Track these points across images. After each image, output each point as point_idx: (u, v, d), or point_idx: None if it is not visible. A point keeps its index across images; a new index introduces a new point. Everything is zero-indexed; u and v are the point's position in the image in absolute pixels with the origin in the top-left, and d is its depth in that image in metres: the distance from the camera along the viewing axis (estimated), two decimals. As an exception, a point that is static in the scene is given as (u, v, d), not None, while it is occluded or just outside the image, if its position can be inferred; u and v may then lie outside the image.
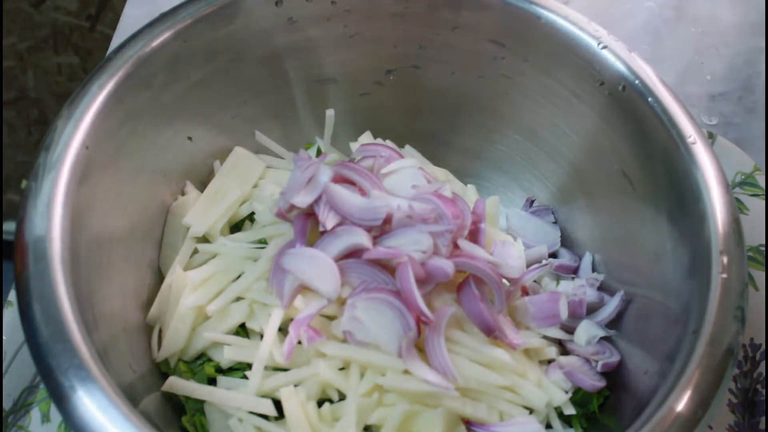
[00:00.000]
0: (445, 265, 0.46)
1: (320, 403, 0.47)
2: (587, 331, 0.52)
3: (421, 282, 0.46)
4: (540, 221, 0.61)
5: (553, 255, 0.60)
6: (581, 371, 0.51)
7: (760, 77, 0.75)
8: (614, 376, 0.51)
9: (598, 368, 0.51)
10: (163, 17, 0.50)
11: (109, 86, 0.46)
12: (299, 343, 0.46)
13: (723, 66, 0.76)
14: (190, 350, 0.50)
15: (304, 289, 0.48)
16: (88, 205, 0.45)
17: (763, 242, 0.62)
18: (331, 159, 0.59)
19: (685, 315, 0.43)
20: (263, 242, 0.53)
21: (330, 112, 0.60)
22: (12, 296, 0.56)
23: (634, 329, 0.51)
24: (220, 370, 0.50)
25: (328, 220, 0.47)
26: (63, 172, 0.43)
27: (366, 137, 0.62)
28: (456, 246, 0.49)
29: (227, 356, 0.48)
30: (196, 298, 0.50)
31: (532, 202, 0.63)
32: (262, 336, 0.48)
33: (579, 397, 0.50)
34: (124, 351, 0.46)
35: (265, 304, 0.49)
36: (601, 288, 0.55)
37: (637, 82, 0.50)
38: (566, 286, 0.56)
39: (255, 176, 0.57)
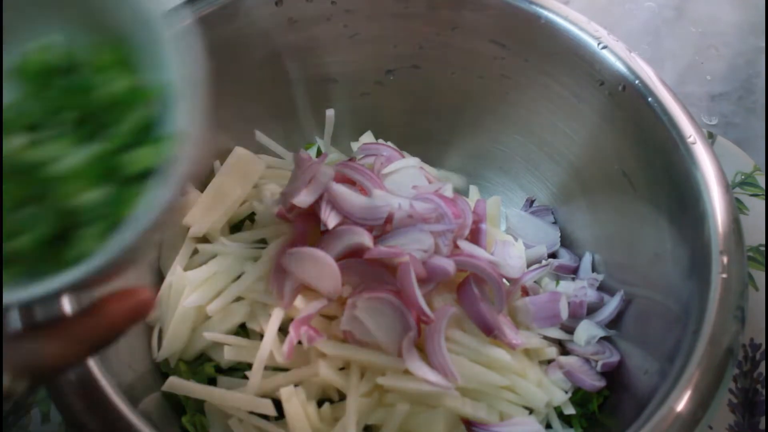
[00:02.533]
0: (447, 264, 0.46)
1: (320, 403, 0.47)
2: (587, 331, 0.52)
3: (422, 281, 0.46)
4: (540, 221, 0.61)
5: (553, 255, 0.60)
6: (581, 371, 0.51)
7: (760, 77, 0.75)
8: (614, 376, 0.51)
9: (598, 368, 0.51)
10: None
11: (109, 86, 0.46)
12: (299, 343, 0.46)
13: (723, 66, 0.76)
14: (190, 350, 0.50)
15: (304, 289, 0.48)
16: (88, 205, 0.44)
17: (763, 242, 0.62)
18: (331, 159, 0.59)
19: (685, 315, 0.43)
20: (263, 242, 0.53)
21: (330, 112, 0.60)
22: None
23: (634, 329, 0.52)
24: (220, 370, 0.50)
25: (330, 219, 0.47)
26: (63, 172, 0.43)
27: (367, 137, 0.62)
28: (456, 246, 0.49)
29: (227, 356, 0.48)
30: (196, 298, 0.50)
31: (532, 202, 0.63)
32: (262, 336, 0.48)
33: (579, 397, 0.50)
34: (124, 351, 0.46)
35: (265, 304, 0.49)
36: (601, 288, 0.55)
37: (637, 82, 0.50)
38: (566, 286, 0.56)
39: (255, 176, 0.57)
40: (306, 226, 0.49)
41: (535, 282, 0.56)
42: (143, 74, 0.31)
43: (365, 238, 0.46)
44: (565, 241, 0.61)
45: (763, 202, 0.64)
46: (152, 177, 0.29)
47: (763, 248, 0.62)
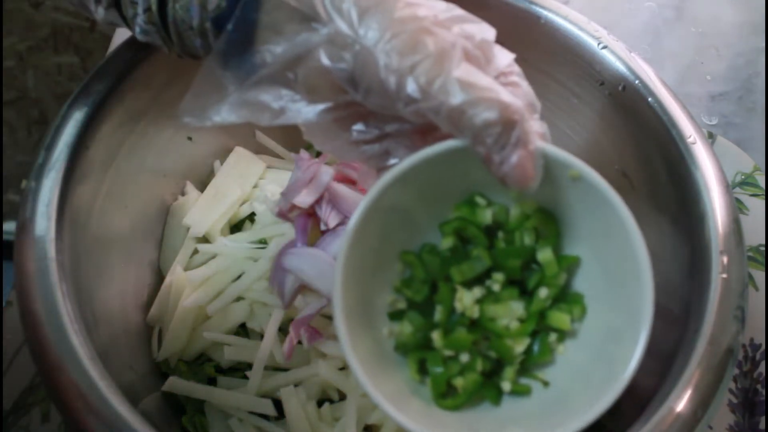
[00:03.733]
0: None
1: (320, 403, 0.47)
2: (587, 331, 0.52)
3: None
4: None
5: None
6: (581, 371, 0.51)
7: (760, 77, 0.75)
8: (614, 376, 0.51)
9: (598, 368, 0.51)
10: (163, 17, 0.50)
11: (109, 86, 0.47)
12: (299, 343, 0.46)
13: (723, 66, 0.76)
14: (190, 350, 0.50)
15: (304, 289, 0.48)
16: (88, 205, 0.45)
17: (763, 242, 0.62)
18: (331, 159, 0.59)
19: (685, 315, 0.43)
20: (263, 242, 0.53)
21: (330, 112, 0.59)
22: (12, 296, 0.56)
23: (634, 329, 0.51)
24: (220, 370, 0.50)
25: (330, 219, 0.47)
26: (63, 172, 0.43)
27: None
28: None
29: (227, 356, 0.48)
30: (196, 298, 0.50)
31: (532, 202, 0.63)
32: (262, 336, 0.48)
33: (579, 397, 0.50)
34: (124, 351, 0.46)
35: (266, 304, 0.49)
36: (601, 288, 0.55)
37: (637, 82, 0.50)
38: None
39: (255, 176, 0.58)
40: (306, 226, 0.49)
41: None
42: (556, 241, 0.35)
43: (365, 238, 0.47)
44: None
45: (763, 202, 0.64)
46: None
47: (763, 248, 0.62)
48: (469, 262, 0.34)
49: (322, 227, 0.48)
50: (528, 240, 0.34)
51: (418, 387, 0.34)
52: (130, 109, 0.48)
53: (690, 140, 0.47)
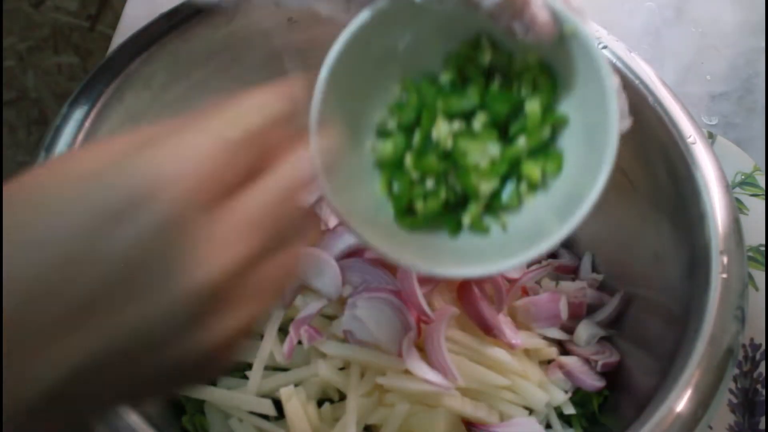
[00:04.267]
0: (446, 265, 0.46)
1: (320, 403, 0.47)
2: (587, 331, 0.52)
3: (422, 281, 0.46)
4: (540, 221, 0.61)
5: (553, 255, 0.60)
6: (581, 371, 0.51)
7: (760, 77, 0.75)
8: (614, 376, 0.51)
9: (598, 368, 0.51)
10: (163, 17, 0.50)
11: (109, 86, 0.47)
12: (299, 343, 0.46)
13: (723, 66, 0.76)
14: (191, 350, 0.50)
15: (304, 289, 0.48)
16: (89, 205, 0.44)
17: (763, 242, 0.62)
18: (331, 159, 0.59)
19: (685, 315, 0.43)
20: (263, 242, 0.53)
21: (330, 112, 0.59)
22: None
23: (634, 329, 0.51)
24: (220, 370, 0.50)
25: (330, 219, 0.47)
26: (63, 172, 0.43)
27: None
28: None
29: (227, 356, 0.48)
30: (196, 298, 0.50)
31: (532, 202, 0.63)
32: (262, 336, 0.48)
33: (579, 397, 0.50)
34: (124, 351, 0.46)
35: (266, 304, 0.49)
36: (601, 288, 0.55)
37: (637, 82, 0.50)
38: (566, 286, 0.56)
39: (255, 176, 0.57)
40: (306, 226, 0.49)
41: (535, 282, 0.56)
42: (553, 98, 0.36)
43: (365, 238, 0.47)
44: (565, 241, 0.60)
45: (763, 202, 0.64)
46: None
47: (763, 248, 0.62)
48: (458, 96, 0.35)
49: (322, 227, 0.48)
50: (524, 91, 0.35)
51: (385, 205, 0.36)
52: (130, 109, 0.48)
53: (690, 140, 0.47)
